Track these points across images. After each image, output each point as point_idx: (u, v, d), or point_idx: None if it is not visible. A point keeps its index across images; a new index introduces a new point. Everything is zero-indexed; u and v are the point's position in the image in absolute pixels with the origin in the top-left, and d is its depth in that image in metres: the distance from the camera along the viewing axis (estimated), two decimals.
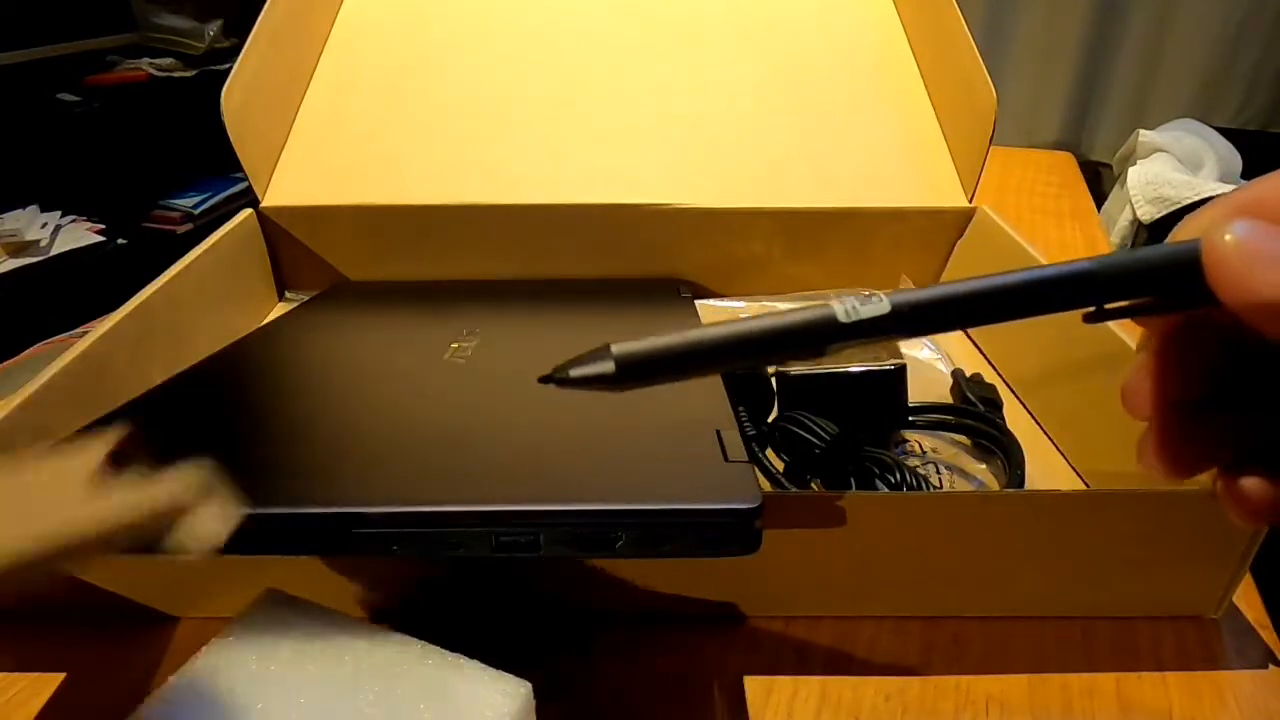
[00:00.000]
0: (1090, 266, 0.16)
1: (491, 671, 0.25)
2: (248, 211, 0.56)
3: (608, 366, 0.16)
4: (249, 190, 0.56)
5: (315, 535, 0.24)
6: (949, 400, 0.46)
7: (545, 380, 0.17)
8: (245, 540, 0.22)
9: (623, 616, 0.33)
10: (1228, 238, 0.15)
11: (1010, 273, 0.17)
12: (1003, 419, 0.44)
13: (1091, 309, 0.17)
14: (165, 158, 1.74)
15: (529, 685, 0.25)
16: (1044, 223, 0.78)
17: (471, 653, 0.25)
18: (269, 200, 0.57)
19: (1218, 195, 0.17)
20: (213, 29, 1.83)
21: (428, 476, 0.28)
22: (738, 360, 0.17)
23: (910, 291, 0.17)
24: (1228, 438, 0.18)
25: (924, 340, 0.52)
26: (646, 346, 0.17)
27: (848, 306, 0.16)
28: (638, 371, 0.17)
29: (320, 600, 0.27)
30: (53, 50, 1.65)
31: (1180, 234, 0.17)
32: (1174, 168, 1.22)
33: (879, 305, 0.16)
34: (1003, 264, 0.52)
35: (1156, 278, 0.16)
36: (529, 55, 0.64)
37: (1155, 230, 1.18)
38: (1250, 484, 0.17)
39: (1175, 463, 0.18)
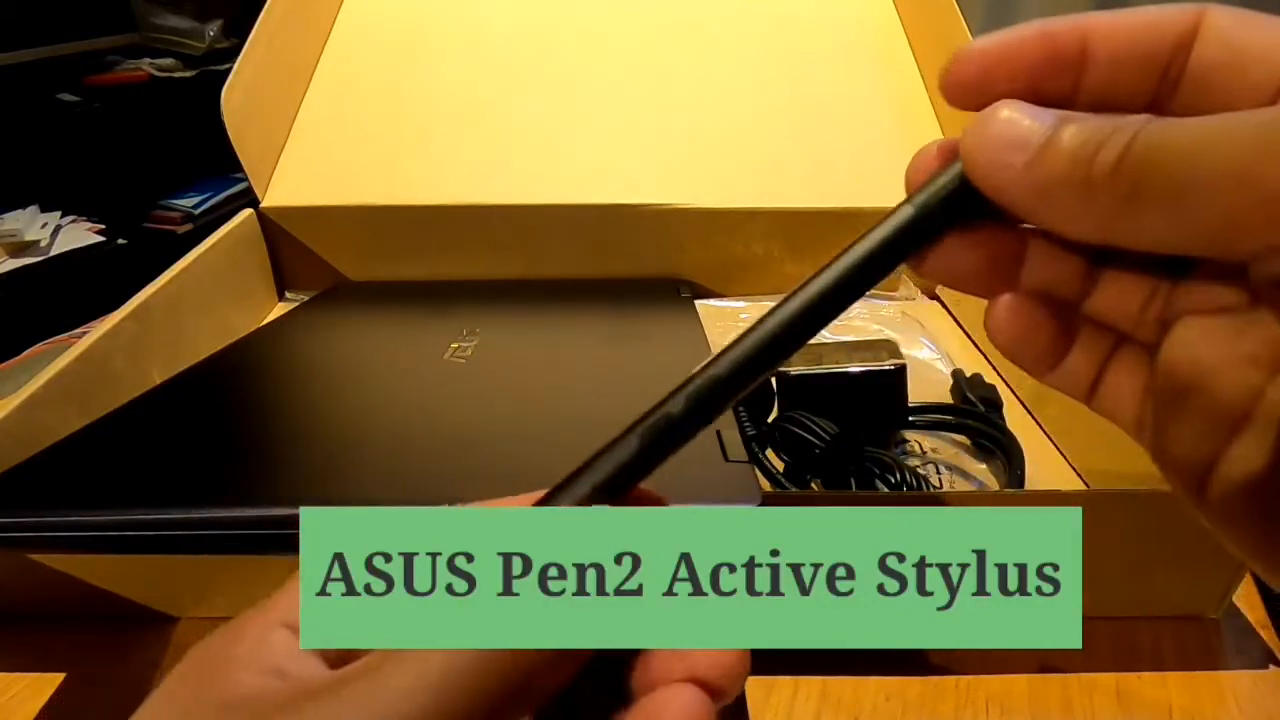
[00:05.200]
0: (910, 213, 0.17)
1: None
2: (248, 211, 0.56)
3: None
4: (249, 190, 0.56)
5: None
6: (949, 400, 0.46)
7: None
8: (245, 541, 0.22)
9: None
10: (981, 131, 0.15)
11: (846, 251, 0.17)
12: (1003, 419, 0.44)
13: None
14: (165, 158, 1.74)
15: None
16: None
17: None
18: (269, 200, 0.57)
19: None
20: (213, 29, 1.83)
21: (428, 476, 0.28)
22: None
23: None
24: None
25: (924, 340, 0.52)
26: None
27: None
28: None
29: None
30: (53, 50, 1.65)
31: None
32: None
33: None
34: None
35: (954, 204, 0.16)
36: (529, 55, 0.64)
37: None
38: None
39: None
